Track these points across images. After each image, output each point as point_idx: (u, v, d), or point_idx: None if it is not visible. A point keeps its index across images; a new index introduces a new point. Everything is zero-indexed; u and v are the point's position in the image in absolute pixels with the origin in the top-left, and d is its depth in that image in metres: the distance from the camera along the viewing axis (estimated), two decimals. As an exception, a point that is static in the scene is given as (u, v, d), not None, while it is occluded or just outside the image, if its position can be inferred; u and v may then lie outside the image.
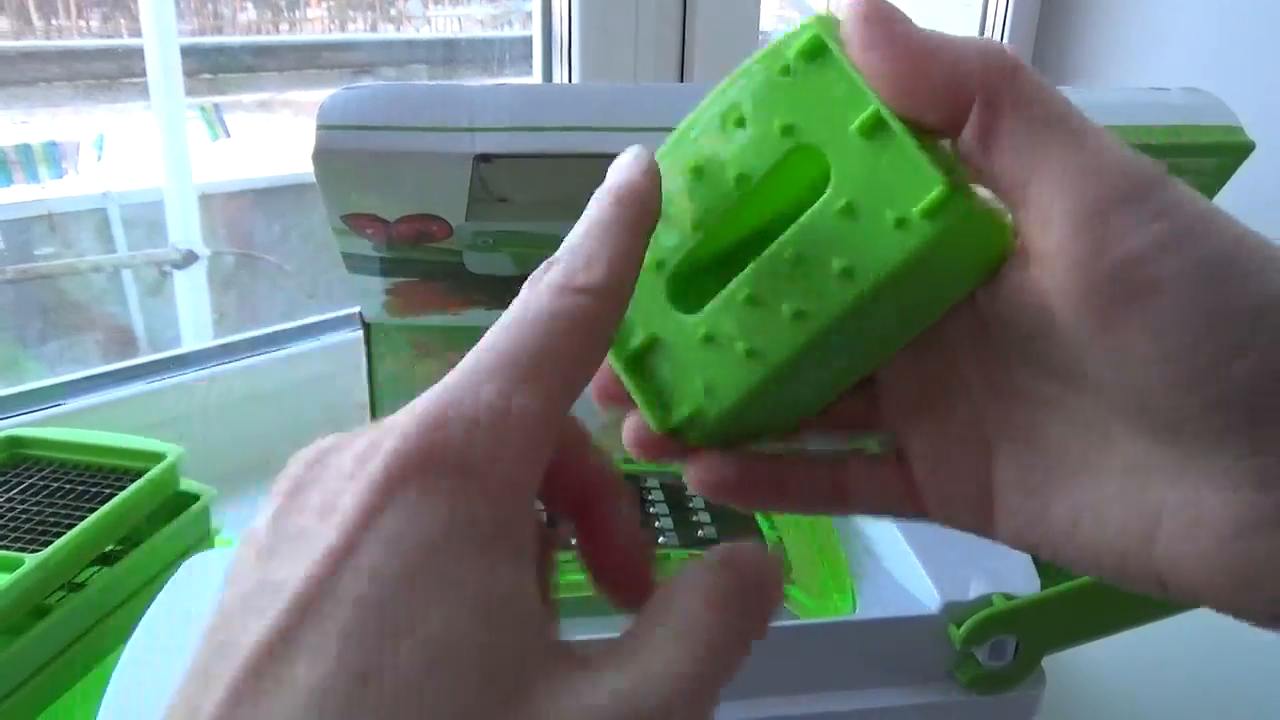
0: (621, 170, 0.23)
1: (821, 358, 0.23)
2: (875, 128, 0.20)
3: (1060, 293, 0.19)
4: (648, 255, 0.23)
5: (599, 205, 0.22)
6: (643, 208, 0.22)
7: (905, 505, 0.25)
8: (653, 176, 0.22)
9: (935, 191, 0.20)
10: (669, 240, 0.24)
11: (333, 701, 0.15)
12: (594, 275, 0.20)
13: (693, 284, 0.24)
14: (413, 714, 0.15)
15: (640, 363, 0.24)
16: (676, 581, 0.21)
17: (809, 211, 0.21)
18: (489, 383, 0.20)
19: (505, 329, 0.21)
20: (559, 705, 0.17)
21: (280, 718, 0.15)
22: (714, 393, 0.23)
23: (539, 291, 0.21)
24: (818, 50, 0.21)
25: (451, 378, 0.20)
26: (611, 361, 0.24)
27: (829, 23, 0.21)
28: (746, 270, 0.23)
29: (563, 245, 0.21)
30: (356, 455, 0.19)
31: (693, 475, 0.25)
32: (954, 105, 0.20)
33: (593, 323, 0.20)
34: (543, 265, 0.21)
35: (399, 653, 0.16)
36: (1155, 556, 0.20)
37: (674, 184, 0.23)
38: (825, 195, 0.21)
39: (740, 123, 0.22)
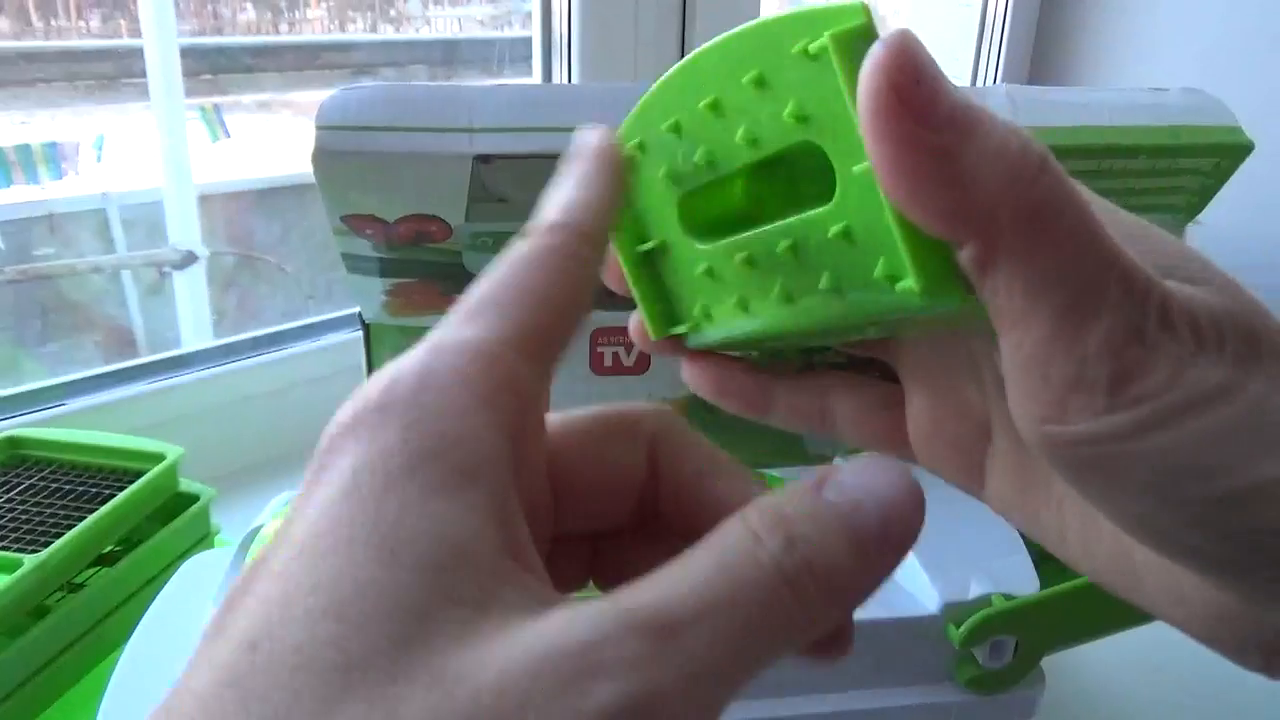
0: (589, 134, 0.23)
1: (809, 335, 0.23)
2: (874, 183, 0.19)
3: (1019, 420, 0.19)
4: (663, 165, 0.23)
5: (570, 162, 0.22)
6: (612, 163, 0.22)
7: (890, 445, 0.25)
8: (617, 144, 0.23)
9: (915, 286, 0.18)
10: (684, 158, 0.23)
11: (223, 675, 0.15)
12: (569, 215, 0.20)
13: (701, 210, 0.24)
14: (288, 673, 0.14)
15: (647, 264, 0.25)
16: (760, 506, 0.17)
17: (810, 214, 0.21)
18: (448, 324, 0.19)
19: (483, 278, 0.20)
20: (464, 655, 0.14)
21: (192, 695, 0.15)
22: (710, 319, 0.24)
23: (518, 242, 0.20)
24: (847, 55, 0.19)
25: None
26: (619, 255, 0.25)
27: (868, 28, 0.19)
28: (747, 235, 0.22)
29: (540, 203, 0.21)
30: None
31: (686, 375, 0.26)
32: (950, 232, 0.18)
33: (566, 260, 0.20)
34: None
35: (290, 610, 0.15)
36: (1140, 594, 0.20)
37: (692, 104, 0.22)
38: (828, 207, 0.20)
39: (759, 83, 0.21)
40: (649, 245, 0.25)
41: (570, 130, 0.32)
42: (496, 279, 0.20)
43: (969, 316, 0.19)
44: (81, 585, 0.47)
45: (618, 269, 0.25)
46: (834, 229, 0.20)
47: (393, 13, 1.38)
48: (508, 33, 1.20)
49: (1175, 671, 0.54)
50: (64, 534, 0.45)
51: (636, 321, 0.26)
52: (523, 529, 0.17)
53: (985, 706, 0.36)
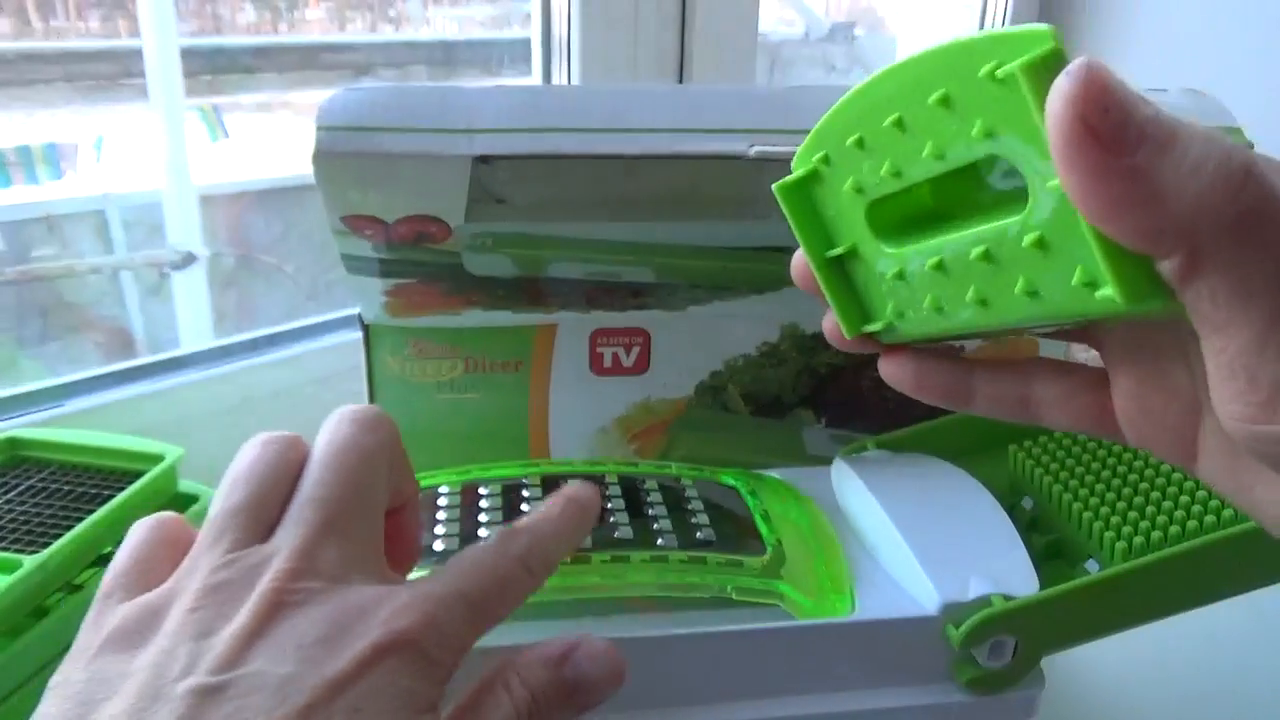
0: (581, 488, 0.31)
1: (1004, 331, 0.24)
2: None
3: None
4: (849, 177, 0.25)
5: (564, 505, 0.30)
6: (588, 516, 0.31)
7: (1098, 427, 0.25)
8: (596, 499, 0.32)
9: (1115, 295, 0.19)
10: (869, 170, 0.24)
11: None
12: (544, 563, 0.28)
13: (887, 213, 0.25)
14: None
15: (837, 267, 0.27)
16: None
17: (1002, 223, 0.21)
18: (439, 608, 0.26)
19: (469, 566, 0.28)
20: None
21: None
22: (904, 318, 0.25)
23: (505, 556, 0.28)
24: (1037, 83, 0.19)
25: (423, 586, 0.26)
26: (809, 260, 0.27)
27: (1056, 54, 0.19)
28: (939, 239, 0.23)
29: (532, 526, 0.29)
30: None
31: (884, 370, 0.28)
32: (1150, 248, 0.18)
33: (527, 593, 0.28)
34: (510, 533, 0.29)
35: None
36: None
37: (879, 117, 0.23)
38: (1020, 216, 0.20)
39: (945, 102, 0.21)
40: (838, 251, 0.26)
41: (570, 130, 0.33)
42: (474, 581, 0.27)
43: (1170, 315, 0.19)
44: (81, 586, 0.47)
45: (808, 272, 0.27)
46: (1028, 238, 0.20)
47: (392, 13, 1.38)
48: (507, 33, 1.20)
49: (1175, 671, 0.54)
50: (64, 534, 0.45)
51: (831, 322, 0.28)
52: None
53: (985, 707, 0.36)
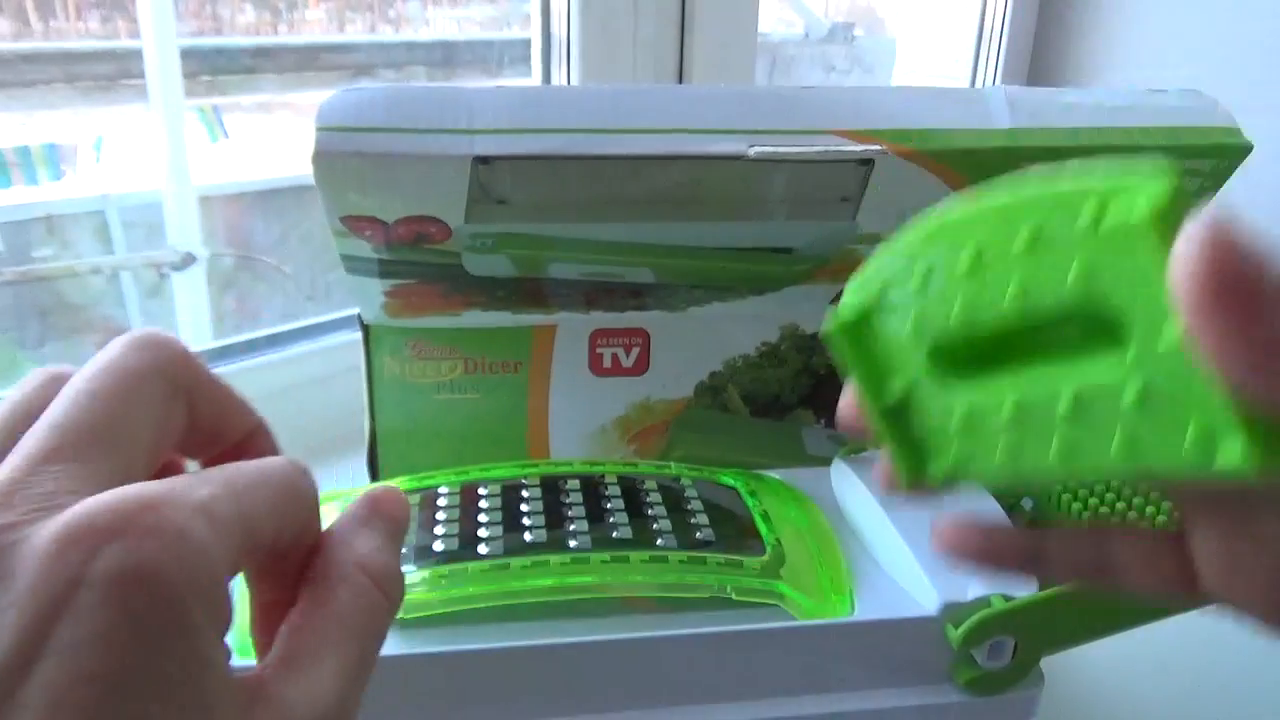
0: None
1: (1088, 477, 0.22)
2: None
3: None
4: (910, 318, 0.23)
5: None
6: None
7: (1180, 588, 0.23)
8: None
9: (1246, 460, 0.17)
10: (937, 311, 0.22)
11: None
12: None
13: (954, 348, 0.23)
14: None
15: (896, 414, 0.24)
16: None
17: (1096, 372, 0.19)
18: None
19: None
20: None
21: None
22: (969, 466, 0.23)
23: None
24: (1160, 234, 0.17)
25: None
26: (867, 408, 0.24)
27: (1173, 209, 0.18)
28: (1015, 380, 0.21)
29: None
30: None
31: (947, 541, 0.26)
32: None
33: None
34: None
35: None
36: None
37: (951, 256, 0.22)
38: (1121, 368, 0.19)
39: (1035, 242, 0.20)
40: (896, 397, 0.24)
41: (570, 130, 0.32)
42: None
43: None
44: (81, 586, 0.47)
45: (856, 415, 0.24)
46: (1131, 391, 0.19)
47: (392, 14, 1.38)
48: (507, 34, 1.20)
49: (1175, 671, 0.54)
50: (63, 535, 0.45)
51: (885, 469, 0.25)
52: None
53: (984, 707, 0.36)
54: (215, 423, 0.25)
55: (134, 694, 0.17)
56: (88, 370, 0.22)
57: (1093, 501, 0.39)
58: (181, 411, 0.23)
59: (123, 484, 0.20)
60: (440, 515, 0.37)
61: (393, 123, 0.35)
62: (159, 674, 0.17)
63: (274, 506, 0.21)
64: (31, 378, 0.23)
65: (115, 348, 0.23)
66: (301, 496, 0.22)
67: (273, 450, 0.27)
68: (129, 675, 0.17)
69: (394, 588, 0.23)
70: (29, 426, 0.21)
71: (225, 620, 0.19)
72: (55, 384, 0.23)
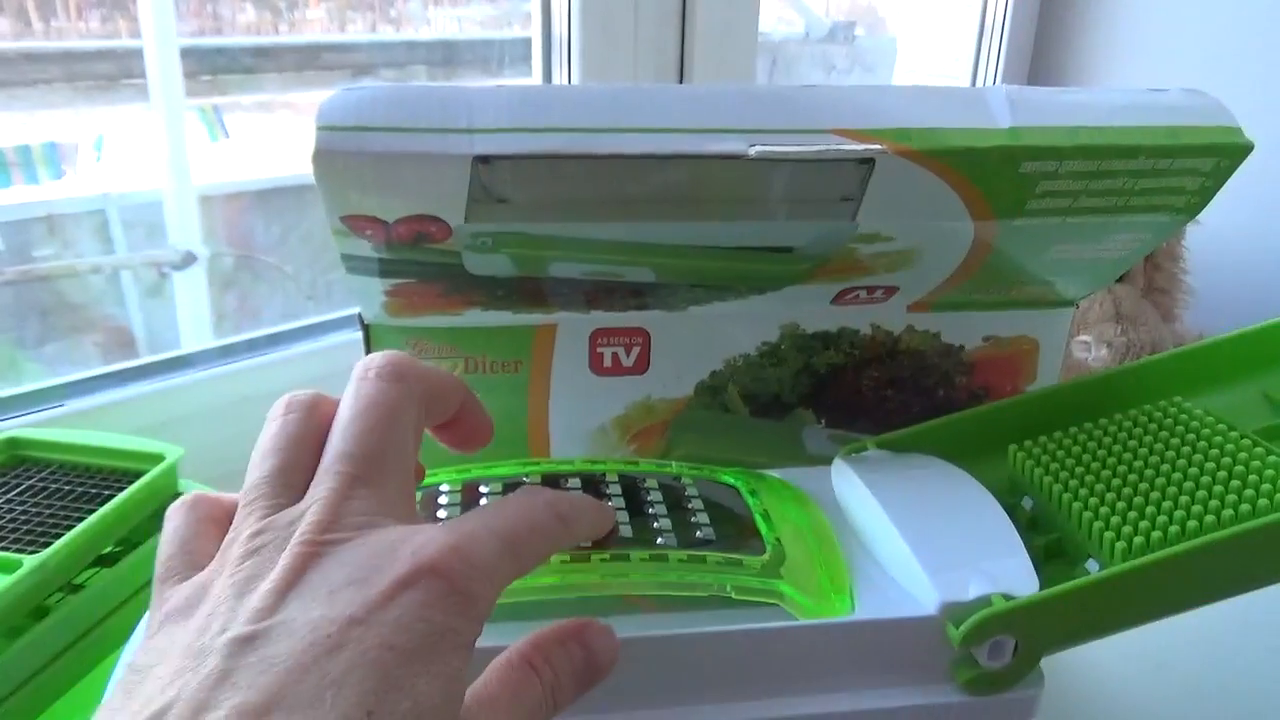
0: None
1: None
2: None
3: None
4: None
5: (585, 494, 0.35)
6: (606, 513, 0.35)
7: None
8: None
9: None
10: None
11: None
12: (573, 513, 0.31)
13: None
14: None
15: None
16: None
17: None
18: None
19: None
20: None
21: None
22: None
23: (534, 499, 0.30)
24: None
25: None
26: None
27: None
28: None
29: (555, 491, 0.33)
30: None
31: None
32: None
33: (556, 539, 0.30)
34: (535, 486, 0.32)
35: None
36: None
37: None
38: None
39: None
40: None
41: (570, 130, 0.32)
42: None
43: None
44: (81, 586, 0.47)
45: None
46: None
47: (393, 13, 1.38)
48: (508, 33, 1.19)
49: (1176, 671, 0.54)
50: (64, 534, 0.45)
51: None
52: None
53: (984, 707, 0.36)
54: (442, 411, 0.32)
55: (413, 668, 0.23)
56: (358, 405, 0.29)
57: (1093, 501, 0.39)
58: (423, 417, 0.30)
59: (405, 499, 0.28)
60: (441, 513, 0.37)
61: (393, 122, 0.35)
62: (434, 665, 0.23)
63: (538, 554, 0.29)
64: (289, 407, 0.31)
65: (371, 382, 0.30)
66: (551, 540, 0.30)
67: (481, 413, 0.34)
68: (415, 655, 0.23)
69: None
70: (307, 450, 0.29)
71: (475, 640, 0.25)
72: (319, 413, 0.30)
